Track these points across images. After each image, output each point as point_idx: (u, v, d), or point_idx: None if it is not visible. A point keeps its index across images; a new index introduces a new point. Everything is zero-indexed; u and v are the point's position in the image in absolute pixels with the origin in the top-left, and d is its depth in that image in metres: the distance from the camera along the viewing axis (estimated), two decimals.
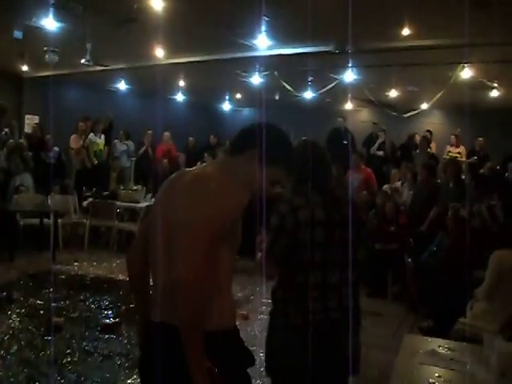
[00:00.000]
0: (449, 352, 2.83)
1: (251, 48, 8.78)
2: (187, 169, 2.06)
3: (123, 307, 5.77)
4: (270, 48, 8.65)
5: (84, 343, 4.66)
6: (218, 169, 1.93)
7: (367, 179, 8.81)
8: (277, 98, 12.89)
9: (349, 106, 14.01)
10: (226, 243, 1.79)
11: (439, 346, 2.91)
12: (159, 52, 9.51)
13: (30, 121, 12.37)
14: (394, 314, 6.18)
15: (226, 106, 16.53)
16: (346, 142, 10.84)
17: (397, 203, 7.51)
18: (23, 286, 6.40)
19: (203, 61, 10.05)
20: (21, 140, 9.30)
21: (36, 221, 8.21)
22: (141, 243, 2.00)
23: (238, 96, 14.68)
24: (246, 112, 16.70)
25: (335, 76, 10.09)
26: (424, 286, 6.02)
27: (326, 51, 8.35)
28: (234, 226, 1.84)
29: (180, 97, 15.09)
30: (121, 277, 7.03)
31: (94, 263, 7.77)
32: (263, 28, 7.99)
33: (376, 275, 6.82)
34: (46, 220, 8.20)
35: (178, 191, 1.85)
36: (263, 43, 8.39)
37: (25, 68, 11.18)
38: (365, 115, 14.74)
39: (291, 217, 2.41)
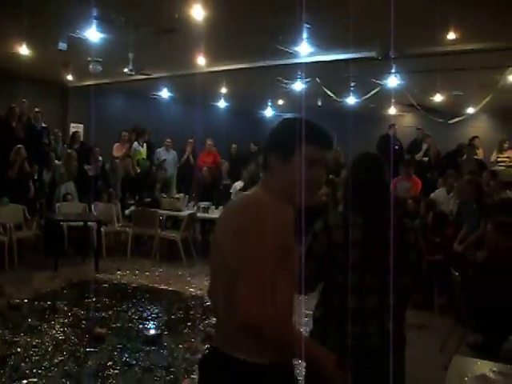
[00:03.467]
0: (500, 377, 2.69)
1: (293, 55, 8.75)
2: (241, 193, 2.09)
3: (165, 318, 5.78)
4: (311, 55, 8.60)
5: (126, 355, 4.66)
6: (260, 191, 1.85)
7: (414, 188, 8.63)
8: (319, 104, 12.77)
9: (392, 111, 13.79)
10: (285, 273, 1.73)
11: (490, 370, 2.77)
12: (201, 60, 9.55)
13: (76, 129, 12.58)
14: (440, 327, 5.98)
15: (268, 112, 16.48)
16: (396, 148, 10.70)
17: (443, 213, 7.31)
18: (67, 295, 6.47)
19: (245, 68, 10.08)
20: (69, 150, 9.44)
21: (80, 229, 8.32)
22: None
23: (280, 102, 14.63)
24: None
25: (378, 81, 9.95)
26: (471, 300, 5.82)
27: (368, 57, 8.23)
28: (290, 251, 1.77)
29: (222, 103, 15.13)
30: (163, 286, 7.08)
31: (137, 272, 7.81)
32: (304, 35, 7.96)
33: (422, 286, 6.64)
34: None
35: (229, 225, 1.79)
36: (305, 50, 8.36)
37: (70, 77, 11.37)
38: (409, 120, 14.48)
39: (323, 237, 2.34)
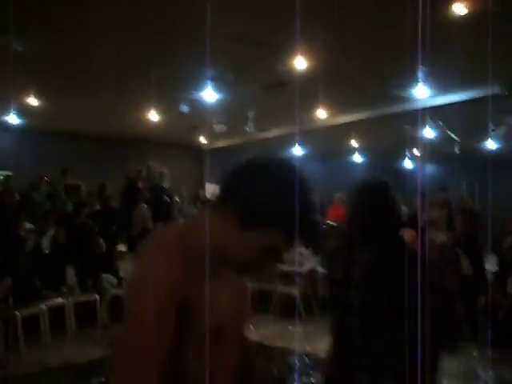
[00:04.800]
0: None
1: (410, 99, 8.37)
2: None
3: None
4: (429, 98, 8.16)
5: None
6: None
7: None
8: (457, 151, 12.01)
9: None
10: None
11: None
12: (320, 113, 9.51)
13: (212, 189, 13.07)
14: None
15: (408, 164, 15.86)
16: None
17: None
18: None
19: (368, 118, 9.86)
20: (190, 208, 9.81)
21: None
22: None
23: (416, 152, 14.02)
24: (429, 169, 15.85)
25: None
26: None
27: (493, 95, 7.59)
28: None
29: (357, 158, 14.87)
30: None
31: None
32: (421, 78, 7.60)
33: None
34: None
35: None
36: (422, 93, 7.94)
37: (203, 140, 11.91)
38: None
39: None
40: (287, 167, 1.39)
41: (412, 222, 7.78)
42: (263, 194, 1.31)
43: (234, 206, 1.34)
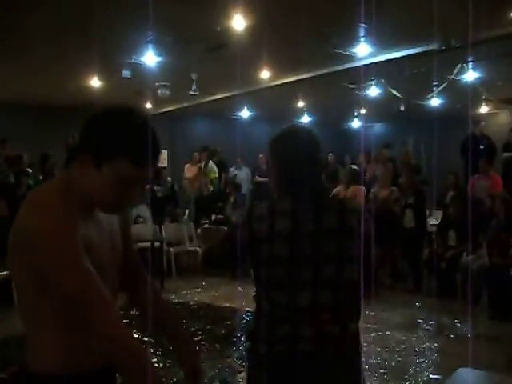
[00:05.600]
0: None
1: (352, 58, 8.39)
2: None
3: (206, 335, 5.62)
4: (371, 55, 8.19)
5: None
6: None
7: (494, 186, 7.93)
8: (402, 109, 12.16)
9: (484, 109, 12.80)
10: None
11: None
12: (265, 74, 9.43)
13: (160, 156, 12.92)
14: None
15: (356, 123, 16.02)
16: (482, 148, 9.94)
17: None
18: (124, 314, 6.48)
19: (311, 77, 9.83)
20: None
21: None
22: None
23: (363, 111, 14.15)
24: (377, 128, 16.04)
25: (454, 77, 9.21)
26: None
27: (430, 50, 7.65)
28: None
29: (306, 118, 14.88)
30: (220, 303, 6.96)
31: (198, 290, 7.79)
32: (362, 35, 7.60)
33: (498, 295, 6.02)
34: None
35: None
36: (363, 51, 7.95)
37: (148, 105, 11.69)
38: (503, 118, 13.41)
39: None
40: (131, 112, 1.53)
41: (357, 178, 7.95)
42: (108, 133, 1.45)
43: (88, 150, 1.46)
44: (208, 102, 11.51)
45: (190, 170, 10.60)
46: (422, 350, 5.20)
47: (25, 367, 1.55)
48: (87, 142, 1.48)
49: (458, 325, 5.94)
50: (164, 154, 13.16)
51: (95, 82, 9.55)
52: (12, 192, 7.73)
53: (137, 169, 1.45)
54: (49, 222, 1.39)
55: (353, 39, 7.65)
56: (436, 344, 5.37)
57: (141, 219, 8.96)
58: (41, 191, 1.58)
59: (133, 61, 8.36)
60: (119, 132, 1.46)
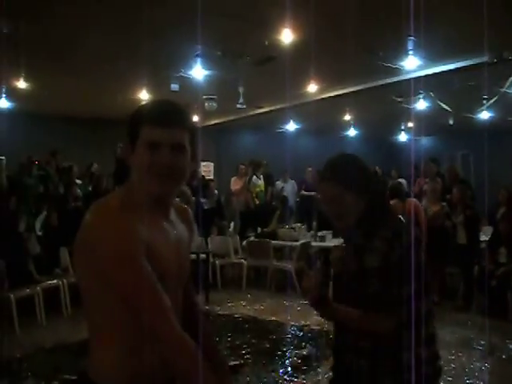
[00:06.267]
0: None
1: (401, 71, 8.31)
2: None
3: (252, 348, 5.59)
4: (419, 68, 8.09)
5: None
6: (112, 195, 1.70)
7: None
8: (451, 122, 11.96)
9: None
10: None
11: None
12: (312, 87, 9.44)
13: (206, 168, 13.04)
14: None
15: (403, 137, 15.83)
16: None
17: None
18: None
19: (359, 90, 9.78)
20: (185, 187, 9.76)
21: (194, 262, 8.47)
22: None
23: (410, 125, 13.98)
24: (425, 141, 15.80)
25: (506, 90, 9.01)
26: None
27: (481, 63, 7.51)
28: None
29: (352, 132, 14.80)
30: (266, 317, 6.93)
31: (243, 303, 7.78)
32: (410, 48, 7.52)
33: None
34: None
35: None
36: (412, 64, 7.86)
37: (194, 118, 11.83)
38: None
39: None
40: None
41: (404, 192, 7.81)
42: (133, 114, 1.61)
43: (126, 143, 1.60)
44: (254, 114, 11.60)
45: (236, 183, 10.64)
46: (472, 370, 5.06)
47: (84, 375, 1.56)
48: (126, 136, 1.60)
49: (510, 346, 5.76)
50: (210, 166, 13.30)
51: (144, 95, 9.73)
52: (62, 204, 7.91)
53: (158, 128, 1.52)
54: (107, 223, 1.45)
55: (401, 52, 7.57)
56: (487, 364, 5.21)
57: None
58: (104, 198, 1.63)
59: (181, 74, 8.48)
60: (140, 108, 1.61)
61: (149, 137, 1.52)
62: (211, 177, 12.95)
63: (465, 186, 8.29)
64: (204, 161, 13.24)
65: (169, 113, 1.56)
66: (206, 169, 13.04)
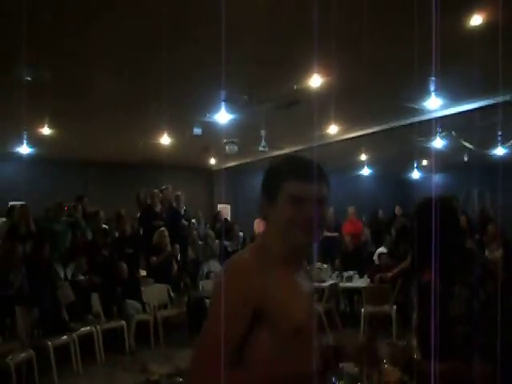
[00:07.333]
0: None
1: (422, 111, 8.45)
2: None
3: None
4: (441, 108, 8.24)
5: None
6: (247, 249, 1.80)
7: None
8: (465, 159, 12.07)
9: None
10: (263, 338, 1.55)
11: None
12: (332, 129, 9.59)
13: (223, 209, 13.08)
14: None
15: (415, 174, 15.94)
16: None
17: None
18: None
19: (378, 131, 9.93)
20: (209, 230, 9.85)
21: None
22: None
23: (425, 162, 14.11)
24: (437, 178, 15.89)
25: None
26: None
27: (504, 102, 7.64)
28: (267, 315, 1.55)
29: (366, 171, 14.94)
30: None
31: None
32: (432, 89, 7.67)
33: None
34: None
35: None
36: (434, 104, 8.01)
37: (212, 161, 11.98)
38: None
39: None
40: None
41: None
42: (272, 169, 1.71)
43: (262, 197, 1.67)
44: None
45: (260, 225, 10.67)
46: None
47: None
48: (262, 191, 1.68)
49: None
50: (227, 208, 13.36)
51: (165, 140, 9.85)
52: (92, 250, 7.89)
53: (305, 184, 1.59)
54: (228, 271, 1.58)
55: (423, 93, 7.71)
56: None
57: (212, 274, 9.03)
58: (241, 251, 1.77)
59: (206, 119, 8.62)
60: (279, 164, 1.68)
61: (295, 191, 1.59)
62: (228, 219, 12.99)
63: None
64: (221, 203, 13.30)
65: (312, 169, 1.62)
66: (223, 211, 13.06)
